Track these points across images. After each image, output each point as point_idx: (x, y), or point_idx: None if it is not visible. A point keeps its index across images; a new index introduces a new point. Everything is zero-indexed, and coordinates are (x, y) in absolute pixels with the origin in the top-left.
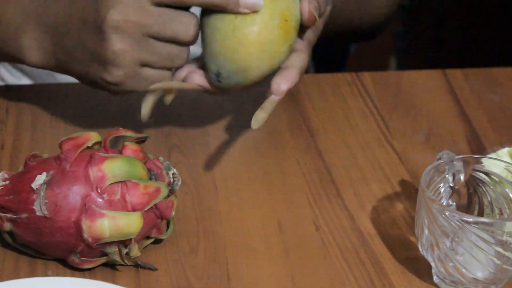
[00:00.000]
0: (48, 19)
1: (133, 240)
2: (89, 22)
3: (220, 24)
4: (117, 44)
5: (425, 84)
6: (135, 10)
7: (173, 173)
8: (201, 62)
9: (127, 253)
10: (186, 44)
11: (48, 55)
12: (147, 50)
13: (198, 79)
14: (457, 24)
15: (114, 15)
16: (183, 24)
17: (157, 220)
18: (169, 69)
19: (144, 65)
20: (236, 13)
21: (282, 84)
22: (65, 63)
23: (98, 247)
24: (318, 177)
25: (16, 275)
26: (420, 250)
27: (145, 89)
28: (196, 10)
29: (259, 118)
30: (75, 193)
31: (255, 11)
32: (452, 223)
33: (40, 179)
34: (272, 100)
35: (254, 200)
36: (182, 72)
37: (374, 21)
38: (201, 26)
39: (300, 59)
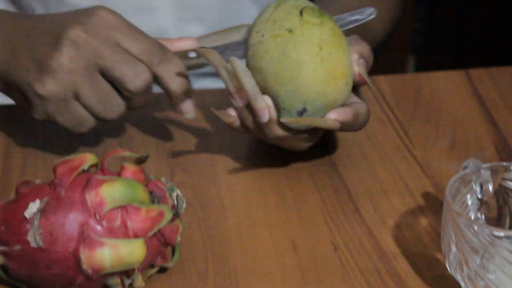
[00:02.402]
0: (6, 24)
1: (136, 269)
2: (51, 32)
3: (306, 56)
4: (66, 58)
5: (447, 86)
6: (100, 37)
7: (177, 195)
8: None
9: (130, 284)
10: (128, 93)
11: None
12: (89, 81)
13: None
14: (480, 19)
15: (78, 30)
16: (135, 72)
17: (162, 247)
18: (95, 116)
19: (77, 98)
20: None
21: (332, 114)
22: (5, 65)
23: (98, 279)
24: (334, 192)
25: None
26: (448, 268)
27: (61, 123)
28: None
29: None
30: (71, 221)
31: (335, 43)
32: (482, 238)
33: (33, 207)
34: (315, 119)
35: (266, 220)
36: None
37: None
38: (258, 69)
39: (360, 105)
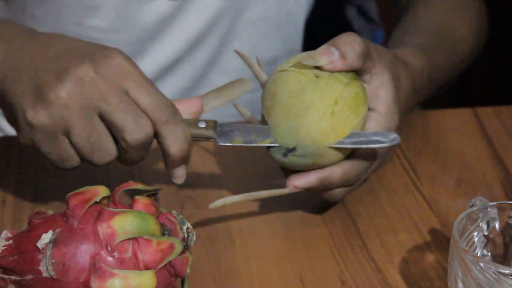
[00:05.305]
0: (18, 37)
1: None
2: (60, 61)
3: (319, 102)
4: (66, 93)
5: (454, 124)
6: (109, 81)
7: (187, 228)
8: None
9: None
10: (125, 144)
11: None
12: (84, 121)
13: None
14: (487, 57)
15: (88, 68)
16: (138, 124)
17: (171, 279)
18: (80, 157)
19: (67, 134)
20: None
21: (296, 180)
22: (3, 80)
23: None
24: (342, 227)
25: None
26: None
27: (45, 154)
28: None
29: (257, 196)
30: (83, 252)
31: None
32: (488, 275)
33: (46, 237)
34: (281, 191)
35: (274, 253)
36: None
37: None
38: (270, 93)
39: (334, 169)
